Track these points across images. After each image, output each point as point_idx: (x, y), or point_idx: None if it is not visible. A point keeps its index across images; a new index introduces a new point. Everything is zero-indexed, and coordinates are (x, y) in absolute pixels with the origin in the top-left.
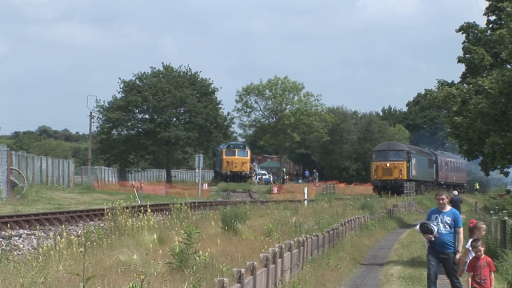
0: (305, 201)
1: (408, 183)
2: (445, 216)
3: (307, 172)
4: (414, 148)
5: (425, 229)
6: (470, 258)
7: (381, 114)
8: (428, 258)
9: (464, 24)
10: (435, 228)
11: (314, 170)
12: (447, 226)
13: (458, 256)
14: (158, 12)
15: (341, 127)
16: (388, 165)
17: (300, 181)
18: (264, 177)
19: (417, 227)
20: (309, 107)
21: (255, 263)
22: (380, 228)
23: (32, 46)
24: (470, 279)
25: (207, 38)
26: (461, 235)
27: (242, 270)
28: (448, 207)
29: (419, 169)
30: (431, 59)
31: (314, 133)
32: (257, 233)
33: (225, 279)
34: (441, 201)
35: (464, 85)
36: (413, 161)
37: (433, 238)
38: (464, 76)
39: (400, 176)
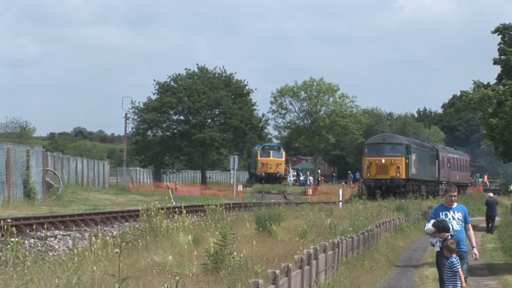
0: (340, 203)
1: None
2: (455, 212)
3: (357, 174)
4: (414, 141)
5: (443, 227)
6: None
7: (416, 115)
8: (439, 261)
9: (500, 26)
10: (450, 226)
11: (349, 172)
12: (460, 223)
13: (476, 251)
14: (192, 13)
15: (376, 128)
16: (383, 161)
17: (348, 182)
18: (300, 178)
19: (429, 227)
20: (344, 108)
21: (289, 264)
22: (415, 230)
23: (67, 48)
24: None
25: (240, 40)
26: (472, 231)
27: (277, 271)
28: (455, 203)
29: (419, 167)
30: (466, 61)
31: (349, 134)
32: (291, 235)
33: (260, 281)
34: (453, 198)
35: (500, 86)
36: (413, 157)
37: (449, 237)
38: (499, 78)
39: (398, 174)
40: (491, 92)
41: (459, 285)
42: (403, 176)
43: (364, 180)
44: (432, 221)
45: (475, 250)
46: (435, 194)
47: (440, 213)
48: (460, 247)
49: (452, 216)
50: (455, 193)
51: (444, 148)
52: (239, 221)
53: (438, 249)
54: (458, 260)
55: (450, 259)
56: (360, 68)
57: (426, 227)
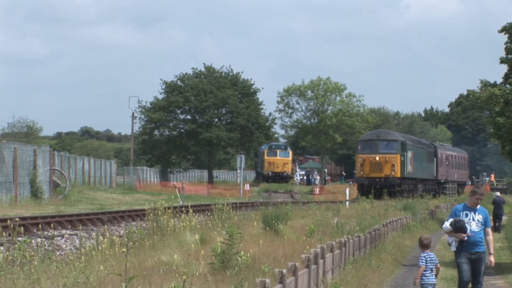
0: (347, 202)
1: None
2: (477, 213)
3: None
4: (410, 137)
5: (460, 228)
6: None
7: (423, 115)
8: (458, 261)
9: (507, 25)
10: (468, 227)
11: (355, 172)
12: (479, 225)
13: (492, 259)
14: (198, 13)
15: (382, 127)
16: (377, 158)
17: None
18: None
19: (446, 225)
20: (351, 108)
21: (296, 263)
22: (422, 229)
23: (74, 47)
24: None
25: (247, 39)
26: (491, 236)
27: (284, 270)
28: (479, 205)
29: (416, 164)
30: (473, 60)
31: (356, 134)
32: (298, 234)
33: (266, 280)
34: (479, 200)
35: (507, 85)
36: (409, 154)
37: (466, 238)
38: (506, 77)
39: (393, 173)
40: (498, 91)
41: (434, 280)
42: (398, 175)
43: (357, 179)
44: (451, 219)
45: (492, 258)
46: (433, 193)
47: (461, 213)
48: (477, 249)
49: (473, 217)
50: (482, 197)
51: (442, 145)
52: (246, 220)
53: (454, 249)
54: (427, 257)
55: (421, 254)
56: (367, 67)
57: (443, 225)
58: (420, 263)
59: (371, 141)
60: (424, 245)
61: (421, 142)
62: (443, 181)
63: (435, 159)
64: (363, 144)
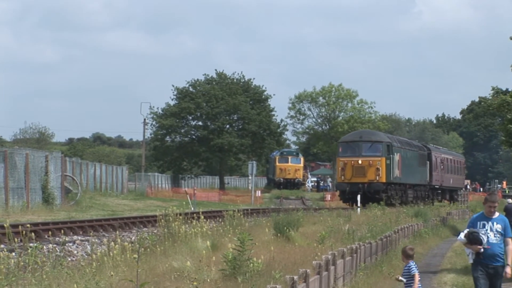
0: (358, 209)
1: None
2: (495, 223)
3: None
4: (398, 139)
5: (474, 240)
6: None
7: (435, 121)
8: (475, 275)
9: None
10: (484, 238)
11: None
12: (498, 235)
13: (509, 270)
14: (210, 19)
15: (394, 134)
16: (360, 162)
17: None
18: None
19: (461, 237)
20: (363, 114)
21: (308, 270)
22: (434, 236)
23: (86, 53)
24: None
25: (258, 45)
26: (510, 246)
27: (295, 277)
28: (497, 213)
29: (405, 169)
30: (485, 66)
31: None
32: (310, 240)
33: (278, 286)
34: (492, 209)
35: None
36: (396, 156)
37: (482, 250)
38: None
39: (377, 178)
40: (510, 98)
41: None
42: (384, 180)
43: (338, 184)
44: (466, 230)
45: (508, 269)
46: (425, 200)
47: (478, 223)
48: (495, 263)
49: (490, 227)
50: (496, 204)
51: (437, 147)
52: (257, 226)
53: (472, 261)
54: (415, 265)
55: (407, 265)
56: (379, 73)
57: (459, 236)
58: (415, 270)
59: (353, 142)
60: (409, 256)
61: (411, 144)
62: (437, 186)
63: (428, 162)
64: (344, 146)
